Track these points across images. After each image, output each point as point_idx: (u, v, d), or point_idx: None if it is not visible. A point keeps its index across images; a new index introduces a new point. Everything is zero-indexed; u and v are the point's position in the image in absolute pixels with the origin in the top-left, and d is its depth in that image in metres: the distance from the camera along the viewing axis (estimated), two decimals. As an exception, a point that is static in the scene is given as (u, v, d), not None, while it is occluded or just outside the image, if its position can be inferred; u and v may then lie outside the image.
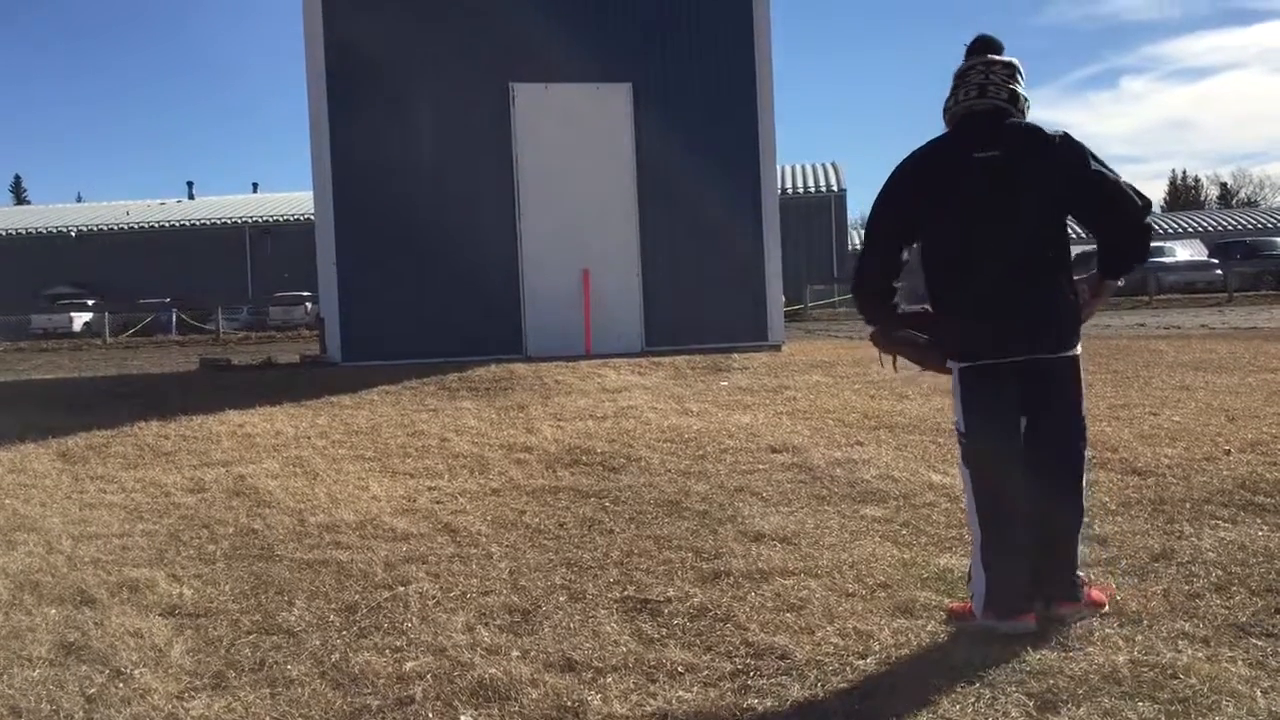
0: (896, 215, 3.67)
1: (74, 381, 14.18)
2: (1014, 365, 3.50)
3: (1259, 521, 4.60)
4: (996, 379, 3.53)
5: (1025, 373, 3.52)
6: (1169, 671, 3.05)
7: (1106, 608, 3.58)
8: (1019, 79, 3.60)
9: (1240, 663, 3.11)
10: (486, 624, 3.75)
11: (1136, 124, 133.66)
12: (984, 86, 3.57)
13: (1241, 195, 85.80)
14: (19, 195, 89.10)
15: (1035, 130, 3.56)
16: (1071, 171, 3.49)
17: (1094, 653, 3.22)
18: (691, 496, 5.57)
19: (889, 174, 3.70)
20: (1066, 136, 3.54)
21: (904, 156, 3.70)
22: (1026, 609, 3.46)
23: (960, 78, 3.64)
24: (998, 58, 3.61)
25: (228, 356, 15.90)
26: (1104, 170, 3.51)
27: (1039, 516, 3.58)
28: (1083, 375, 3.60)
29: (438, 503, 5.65)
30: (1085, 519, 3.61)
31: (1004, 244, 3.50)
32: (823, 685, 3.13)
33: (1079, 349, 3.58)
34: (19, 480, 6.40)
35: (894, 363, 3.82)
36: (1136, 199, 3.53)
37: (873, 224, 3.74)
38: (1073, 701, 2.91)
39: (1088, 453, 3.62)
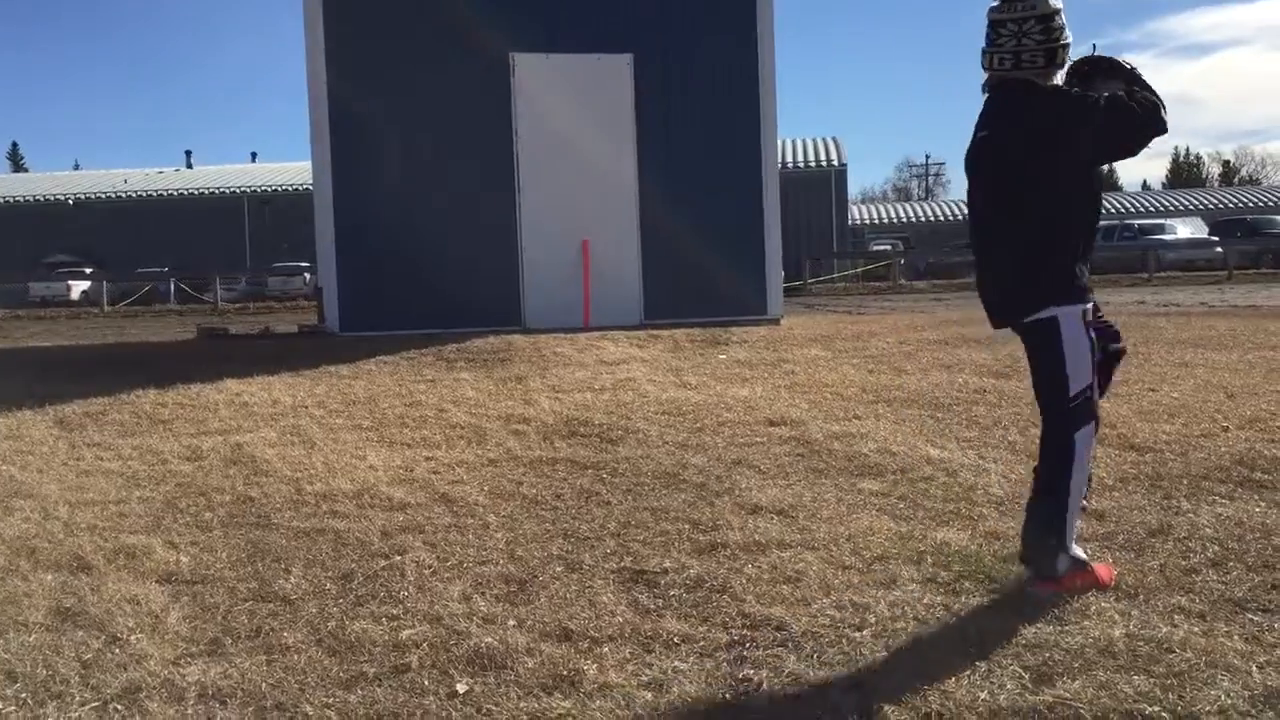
0: None
1: (72, 349, 14.15)
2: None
3: (1256, 498, 4.60)
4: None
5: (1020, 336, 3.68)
6: (1165, 645, 3.06)
7: (1110, 585, 3.54)
8: (1055, 26, 3.46)
9: (1236, 637, 3.12)
10: (483, 593, 3.76)
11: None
12: (1018, 55, 3.47)
13: (1243, 173, 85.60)
14: (17, 163, 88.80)
15: (1045, 106, 3.47)
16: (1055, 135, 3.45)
17: (1090, 626, 3.23)
18: (689, 469, 5.56)
19: None
20: (1069, 104, 3.45)
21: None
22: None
23: (995, 30, 3.50)
24: (1032, 10, 3.44)
25: (226, 326, 15.87)
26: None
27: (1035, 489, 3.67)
28: (1065, 344, 3.49)
29: (435, 473, 5.64)
30: (1071, 500, 3.51)
31: (975, 213, 3.73)
32: (819, 657, 3.13)
33: (1050, 311, 3.48)
34: (16, 447, 6.39)
35: None
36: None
37: None
38: (1068, 674, 2.91)
39: (1082, 433, 3.50)
